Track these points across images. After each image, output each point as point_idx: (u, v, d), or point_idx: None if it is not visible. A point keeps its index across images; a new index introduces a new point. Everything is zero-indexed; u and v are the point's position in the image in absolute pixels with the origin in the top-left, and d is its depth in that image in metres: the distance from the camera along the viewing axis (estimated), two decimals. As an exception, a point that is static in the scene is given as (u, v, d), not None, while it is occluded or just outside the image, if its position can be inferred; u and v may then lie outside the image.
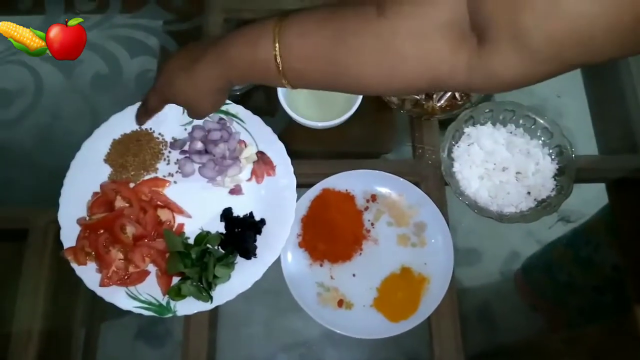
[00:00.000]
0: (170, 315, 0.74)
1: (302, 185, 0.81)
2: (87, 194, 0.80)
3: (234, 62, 0.62)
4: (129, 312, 0.74)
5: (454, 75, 0.53)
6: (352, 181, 0.83)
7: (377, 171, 0.82)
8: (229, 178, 0.81)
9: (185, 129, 0.85)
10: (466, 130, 0.84)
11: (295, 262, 0.79)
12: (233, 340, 0.79)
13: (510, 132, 0.85)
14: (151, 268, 0.77)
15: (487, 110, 0.84)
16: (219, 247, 0.78)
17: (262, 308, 0.79)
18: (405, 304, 0.77)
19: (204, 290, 0.74)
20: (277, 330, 0.79)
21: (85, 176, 0.81)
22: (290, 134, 0.86)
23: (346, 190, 0.83)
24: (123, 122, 0.84)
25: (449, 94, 0.85)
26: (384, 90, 0.61)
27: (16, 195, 0.88)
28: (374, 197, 0.83)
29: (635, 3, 0.41)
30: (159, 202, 0.80)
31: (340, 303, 0.77)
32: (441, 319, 0.77)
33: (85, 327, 0.80)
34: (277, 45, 0.58)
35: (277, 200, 0.80)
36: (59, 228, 0.78)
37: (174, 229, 0.79)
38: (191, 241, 0.78)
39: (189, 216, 0.80)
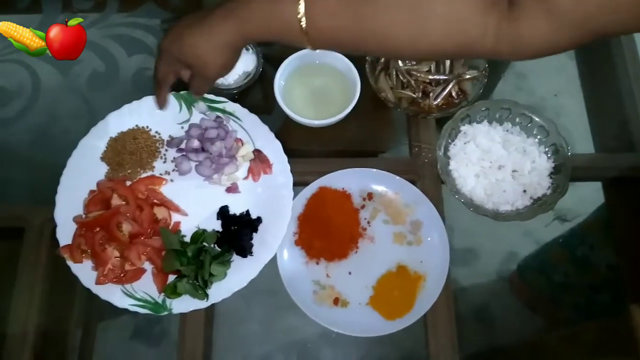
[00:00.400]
0: (166, 313, 0.74)
1: (299, 184, 0.81)
2: (83, 192, 0.80)
3: (252, 15, 0.60)
4: (125, 312, 0.74)
5: (482, 40, 0.53)
6: (349, 179, 0.83)
7: (373, 169, 0.82)
8: (226, 176, 0.82)
9: (182, 127, 0.85)
10: (462, 128, 0.85)
11: (291, 260, 0.79)
12: (229, 339, 0.78)
13: (507, 131, 0.85)
14: (147, 266, 0.77)
15: (483, 109, 0.84)
16: (215, 245, 0.78)
17: (258, 306, 0.79)
18: (401, 302, 0.77)
19: (200, 288, 0.74)
20: (273, 328, 0.79)
21: (82, 174, 0.81)
22: (287, 132, 0.86)
23: (342, 188, 0.83)
24: (120, 121, 0.84)
25: (446, 92, 0.86)
26: (409, 51, 0.59)
27: (13, 193, 0.88)
28: (370, 196, 0.83)
29: None
30: (155, 200, 0.80)
31: (336, 301, 0.77)
32: (437, 317, 0.77)
33: (82, 326, 0.80)
34: (301, 2, 0.56)
35: (273, 198, 0.80)
36: (55, 226, 0.78)
37: (170, 227, 0.79)
38: (187, 239, 0.78)
39: (186, 214, 0.80)
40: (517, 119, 0.84)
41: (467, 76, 0.86)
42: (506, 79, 0.96)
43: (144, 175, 0.82)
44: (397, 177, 0.82)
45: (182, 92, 0.86)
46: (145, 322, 0.79)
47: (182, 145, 0.84)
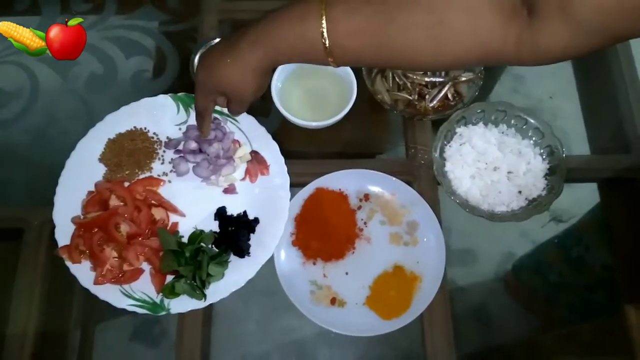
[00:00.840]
0: (164, 313, 0.74)
1: (296, 185, 0.82)
2: (81, 193, 0.81)
3: (277, 40, 0.61)
4: (124, 312, 0.74)
5: (504, 50, 0.54)
6: (346, 180, 0.83)
7: (370, 171, 0.83)
8: (223, 177, 0.82)
9: (180, 129, 0.86)
10: (458, 130, 0.85)
11: (288, 260, 0.79)
12: (227, 339, 0.79)
13: (502, 132, 0.85)
14: (145, 266, 0.77)
15: (479, 111, 0.85)
16: (213, 246, 0.79)
17: (255, 306, 0.80)
18: (398, 302, 0.77)
19: (198, 289, 0.74)
20: (271, 328, 0.79)
21: (80, 175, 0.81)
22: (284, 133, 0.86)
23: (339, 189, 0.83)
24: (118, 122, 0.85)
25: (442, 94, 0.86)
26: (432, 65, 0.61)
27: (11, 195, 0.88)
28: (367, 197, 0.84)
29: None
30: (153, 201, 0.80)
31: (333, 301, 0.77)
32: (433, 317, 0.77)
33: (81, 327, 0.80)
34: (323, 21, 0.57)
35: (270, 199, 0.81)
36: (53, 227, 0.78)
37: (168, 228, 0.80)
38: (185, 240, 0.79)
39: (183, 215, 0.81)
40: (513, 121, 0.85)
41: (463, 78, 0.86)
42: (503, 82, 0.97)
43: (142, 176, 0.83)
44: (394, 178, 0.82)
45: (179, 94, 0.86)
46: (144, 322, 0.80)
47: (180, 147, 0.84)
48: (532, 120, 0.84)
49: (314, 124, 0.83)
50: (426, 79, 0.86)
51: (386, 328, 0.75)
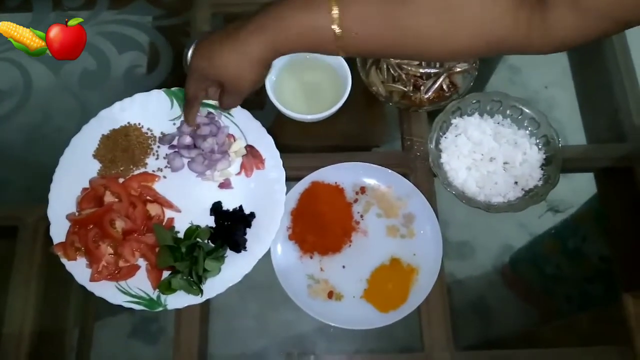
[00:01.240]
0: (161, 309, 0.74)
1: (292, 179, 0.81)
2: (76, 190, 0.80)
3: (285, 27, 0.60)
4: (122, 310, 0.74)
5: (514, 35, 0.53)
6: (341, 174, 0.83)
7: (366, 163, 0.83)
8: (218, 172, 0.82)
9: (174, 124, 0.85)
10: (453, 121, 0.85)
11: (285, 254, 0.79)
12: (225, 334, 0.79)
13: (498, 123, 0.85)
14: (141, 262, 0.77)
15: (474, 101, 0.84)
16: (209, 241, 0.78)
17: (253, 301, 0.80)
18: (395, 294, 0.77)
19: (194, 284, 0.74)
20: (269, 322, 0.79)
21: (75, 172, 0.81)
22: (279, 127, 0.86)
23: (335, 182, 0.83)
24: (112, 118, 0.84)
25: (437, 85, 0.86)
26: (442, 51, 0.59)
27: (6, 192, 0.88)
28: (363, 189, 0.83)
29: None
30: (148, 197, 0.80)
31: (331, 294, 0.77)
32: (431, 309, 0.77)
33: (79, 325, 0.80)
34: (334, 7, 0.57)
35: (266, 193, 0.80)
36: (48, 224, 0.78)
37: (163, 224, 0.79)
38: (181, 235, 0.79)
39: (179, 210, 0.81)
40: (508, 111, 0.85)
41: (458, 69, 0.86)
42: (499, 72, 0.97)
43: (136, 172, 0.83)
44: (390, 171, 0.82)
45: (173, 89, 0.86)
46: (142, 320, 0.80)
47: (174, 142, 0.84)
48: (527, 110, 0.83)
49: (309, 117, 0.83)
50: (421, 70, 0.86)
51: (384, 321, 0.75)
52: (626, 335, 0.76)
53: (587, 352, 0.78)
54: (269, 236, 0.77)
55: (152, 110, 0.85)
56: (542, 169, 0.82)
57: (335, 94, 0.84)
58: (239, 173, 0.83)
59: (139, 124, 0.85)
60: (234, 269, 0.76)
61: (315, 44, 0.61)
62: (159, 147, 0.84)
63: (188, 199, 0.81)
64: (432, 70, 0.86)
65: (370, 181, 0.84)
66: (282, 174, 0.81)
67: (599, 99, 0.97)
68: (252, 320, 0.79)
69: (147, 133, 0.85)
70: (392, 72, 0.87)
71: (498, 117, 0.85)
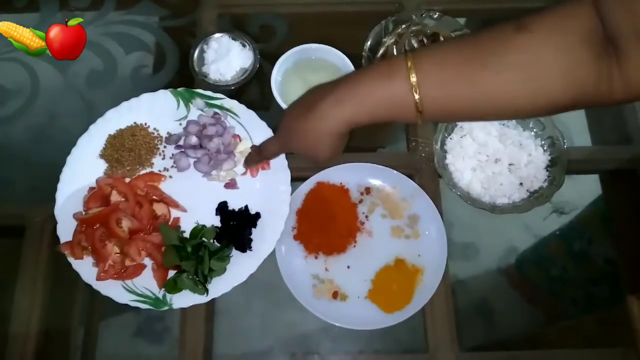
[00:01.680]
0: (166, 308, 0.74)
1: (297, 179, 0.82)
2: (83, 189, 0.81)
3: (362, 99, 0.60)
4: (127, 309, 0.75)
5: (598, 88, 0.52)
6: (347, 174, 0.83)
7: (371, 164, 0.83)
8: (224, 172, 0.82)
9: (180, 124, 0.86)
10: (459, 122, 0.85)
11: (290, 254, 0.79)
12: (229, 333, 0.79)
13: (503, 124, 0.85)
14: (147, 262, 0.77)
15: (479, 103, 0.84)
16: (215, 241, 0.79)
17: (258, 301, 0.80)
18: (400, 295, 0.77)
19: (200, 283, 0.74)
20: (273, 322, 0.79)
21: (81, 171, 0.82)
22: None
23: (340, 183, 0.83)
24: (118, 118, 0.85)
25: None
26: (527, 109, 0.57)
27: (13, 192, 0.88)
28: (368, 190, 0.84)
29: None
30: (154, 197, 0.80)
31: (335, 295, 0.78)
32: (435, 310, 0.77)
33: (84, 324, 0.80)
34: (413, 74, 0.56)
35: (272, 193, 0.81)
36: (55, 223, 0.78)
37: (169, 223, 0.80)
38: (187, 235, 0.79)
39: (185, 210, 0.81)
40: (513, 113, 0.85)
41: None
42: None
43: (142, 172, 0.83)
44: (395, 172, 0.82)
45: (179, 89, 0.86)
46: (147, 319, 0.80)
47: (181, 142, 0.84)
48: (533, 112, 0.83)
49: (314, 118, 0.83)
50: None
51: (388, 321, 0.75)
52: (631, 337, 0.76)
53: (592, 353, 0.78)
54: (274, 236, 0.78)
55: (158, 111, 0.85)
56: (547, 171, 0.82)
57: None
58: (244, 173, 0.83)
59: (146, 124, 0.85)
60: (239, 268, 0.76)
61: (393, 112, 0.60)
62: (165, 147, 0.85)
63: (194, 199, 0.81)
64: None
65: (375, 182, 0.84)
66: (288, 174, 0.81)
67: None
68: (257, 319, 0.79)
69: (153, 133, 0.85)
70: (397, 73, 0.87)
71: (503, 119, 0.85)
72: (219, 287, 0.75)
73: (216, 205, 0.81)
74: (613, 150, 0.93)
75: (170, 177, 0.83)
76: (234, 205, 0.81)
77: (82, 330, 0.80)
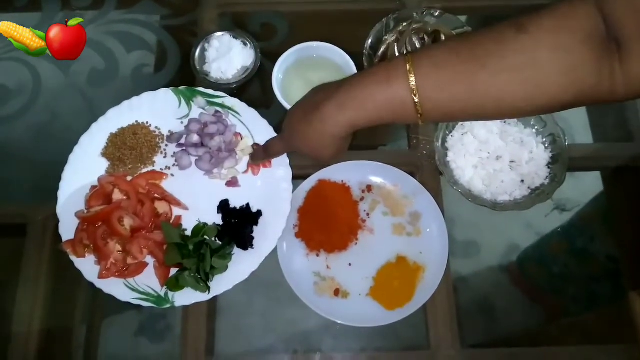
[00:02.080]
0: (168, 306, 0.75)
1: (298, 177, 0.82)
2: (85, 188, 0.81)
3: (363, 103, 0.61)
4: (129, 307, 0.75)
5: (599, 87, 0.52)
6: (348, 172, 0.83)
7: (372, 162, 0.83)
8: (226, 170, 0.82)
9: (182, 122, 0.86)
10: (460, 119, 0.85)
11: (291, 252, 0.79)
12: (232, 331, 0.79)
13: (504, 121, 0.85)
14: (149, 260, 0.78)
15: (480, 100, 0.84)
16: (216, 239, 0.79)
17: (259, 298, 0.80)
18: (401, 292, 0.77)
19: (202, 281, 0.74)
20: (275, 320, 0.79)
21: (83, 170, 0.82)
22: (286, 126, 0.86)
23: (342, 181, 0.84)
24: (120, 116, 0.85)
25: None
26: (526, 109, 0.58)
27: (15, 191, 0.88)
28: (369, 188, 0.84)
29: None
30: (156, 195, 0.81)
31: (337, 292, 0.78)
32: (437, 307, 0.78)
33: (87, 323, 0.80)
34: (412, 76, 0.57)
35: (273, 191, 0.81)
36: (57, 222, 0.78)
37: (171, 221, 0.80)
38: (188, 233, 0.79)
39: (186, 208, 0.81)
40: (515, 110, 0.85)
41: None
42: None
43: (144, 170, 0.83)
44: (396, 169, 0.82)
45: (181, 88, 0.86)
46: (149, 318, 0.80)
47: (182, 140, 0.84)
48: (534, 109, 0.83)
49: (315, 116, 0.83)
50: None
51: (390, 319, 0.75)
52: (633, 334, 0.76)
53: (594, 350, 0.78)
54: (275, 234, 0.78)
55: (160, 109, 0.85)
56: (548, 168, 0.82)
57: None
58: (246, 171, 0.83)
59: (147, 122, 0.86)
60: (240, 266, 0.76)
61: (396, 113, 0.61)
62: (166, 145, 0.85)
63: (195, 197, 0.82)
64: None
65: (376, 179, 0.84)
66: (289, 172, 0.81)
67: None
68: (259, 317, 0.79)
69: (155, 132, 0.85)
70: (398, 70, 0.87)
71: (504, 116, 0.85)
72: (220, 284, 0.75)
73: (218, 203, 0.81)
74: (615, 147, 0.93)
75: (172, 175, 0.83)
76: (236, 203, 0.81)
77: (84, 328, 0.80)
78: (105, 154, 0.83)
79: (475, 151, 0.83)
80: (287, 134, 0.71)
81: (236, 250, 0.78)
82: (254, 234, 0.79)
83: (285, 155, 0.82)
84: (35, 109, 0.92)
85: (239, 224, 0.79)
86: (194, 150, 0.83)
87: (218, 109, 0.85)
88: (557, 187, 0.79)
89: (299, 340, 0.78)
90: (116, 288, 0.75)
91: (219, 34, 0.92)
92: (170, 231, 0.77)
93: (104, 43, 0.97)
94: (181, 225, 0.80)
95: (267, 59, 0.91)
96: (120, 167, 0.82)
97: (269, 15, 0.99)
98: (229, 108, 0.85)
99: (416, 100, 0.58)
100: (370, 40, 0.89)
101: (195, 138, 0.83)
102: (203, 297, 0.75)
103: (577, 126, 0.91)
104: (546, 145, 0.83)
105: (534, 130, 0.84)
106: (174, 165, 0.84)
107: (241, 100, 0.85)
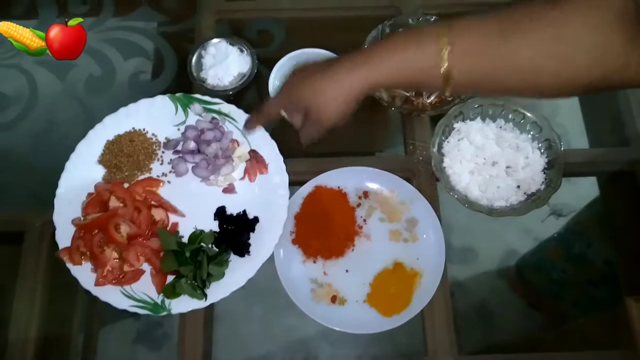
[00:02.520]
0: (165, 313, 0.74)
1: (295, 183, 0.82)
2: (81, 195, 0.81)
3: (386, 62, 0.60)
4: (126, 315, 0.75)
5: (627, 69, 0.52)
6: (344, 178, 0.83)
7: (368, 168, 0.83)
8: (222, 177, 0.82)
9: (179, 129, 0.86)
10: (456, 125, 0.85)
11: (288, 259, 0.79)
12: (229, 338, 0.79)
13: (500, 127, 0.85)
14: (146, 267, 0.77)
15: (476, 106, 0.85)
16: (213, 245, 0.79)
17: (257, 305, 0.80)
18: (398, 298, 0.77)
19: (199, 288, 0.74)
20: (272, 326, 0.79)
21: (80, 177, 0.82)
22: (282, 132, 0.86)
23: (338, 187, 0.84)
24: (117, 123, 0.85)
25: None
26: (552, 85, 0.57)
27: (12, 198, 0.88)
28: (366, 194, 0.84)
29: None
30: (153, 202, 0.81)
31: (334, 299, 0.78)
32: (434, 313, 0.77)
33: (84, 331, 0.80)
34: (443, 41, 0.57)
35: (270, 198, 0.81)
36: (54, 229, 0.78)
37: (168, 228, 0.80)
38: (185, 240, 0.79)
39: (183, 215, 0.81)
40: (510, 116, 0.85)
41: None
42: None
43: (141, 177, 0.83)
44: (392, 175, 0.83)
45: (177, 94, 0.86)
46: (147, 325, 0.80)
47: (179, 147, 0.84)
48: (529, 115, 0.84)
49: (312, 122, 0.83)
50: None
51: (387, 325, 0.75)
52: (630, 339, 0.76)
53: (591, 356, 0.78)
54: (272, 240, 0.78)
55: (156, 116, 0.86)
56: (544, 173, 0.82)
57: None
58: (242, 178, 0.83)
59: (144, 129, 0.86)
60: (237, 273, 0.76)
61: (417, 79, 0.60)
62: (163, 152, 0.85)
63: (192, 204, 0.81)
64: (435, 75, 0.87)
65: (373, 185, 0.84)
66: (286, 178, 0.81)
67: (601, 103, 0.97)
68: (256, 324, 0.79)
69: (151, 138, 0.85)
70: (394, 77, 0.88)
71: (500, 122, 0.85)
72: (217, 292, 0.75)
73: (214, 210, 0.81)
74: (610, 152, 0.93)
75: (169, 182, 0.83)
76: (232, 209, 0.81)
77: (81, 336, 0.80)
78: (102, 161, 0.84)
79: (472, 157, 0.83)
80: (293, 87, 0.68)
81: (233, 257, 0.78)
82: (250, 241, 0.79)
83: (281, 161, 0.82)
84: (32, 116, 0.93)
85: (235, 231, 0.79)
86: (190, 157, 0.83)
87: (215, 115, 0.85)
88: (552, 193, 0.79)
89: (297, 347, 0.78)
90: (113, 296, 0.75)
91: (215, 40, 0.93)
92: (166, 238, 0.77)
93: (101, 50, 0.97)
94: (178, 232, 0.80)
95: (263, 65, 0.92)
96: (116, 174, 0.82)
97: (265, 22, 0.99)
98: (226, 114, 0.85)
99: (444, 67, 0.57)
100: (366, 47, 0.89)
101: (191, 145, 0.83)
102: (200, 304, 0.75)
103: (573, 131, 0.92)
104: (542, 151, 0.83)
105: (529, 135, 0.84)
106: (170, 172, 0.84)
107: (238, 106, 0.86)
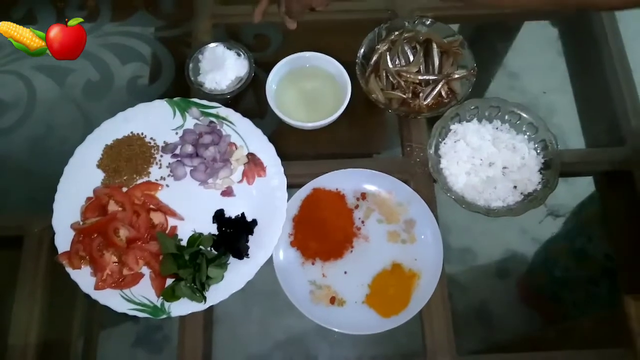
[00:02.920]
0: (164, 316, 0.75)
1: (293, 186, 0.82)
2: (80, 199, 0.81)
3: None
4: (126, 319, 0.75)
5: None
6: (342, 180, 0.84)
7: (366, 170, 0.84)
8: (220, 180, 0.83)
9: (177, 133, 0.86)
10: (452, 127, 0.86)
11: (287, 261, 0.80)
12: (228, 340, 0.79)
13: (496, 128, 0.86)
14: (145, 270, 0.78)
15: (472, 107, 0.85)
16: (212, 248, 0.79)
17: (256, 307, 0.80)
18: (397, 299, 0.77)
19: (198, 291, 0.75)
20: (272, 328, 0.79)
21: (79, 182, 0.82)
22: (280, 135, 0.87)
23: (336, 189, 0.84)
24: (115, 128, 0.86)
25: (435, 92, 0.87)
26: None
27: (11, 203, 0.88)
28: (363, 196, 0.84)
29: None
30: (151, 206, 0.81)
31: (333, 300, 0.78)
32: (432, 313, 0.78)
33: (84, 335, 0.80)
34: None
35: (268, 200, 0.81)
36: (53, 233, 0.79)
37: (167, 232, 0.80)
38: (184, 243, 0.79)
39: (182, 218, 0.81)
40: (507, 117, 0.85)
41: (456, 76, 0.87)
42: (498, 79, 0.98)
43: (139, 181, 0.83)
44: (390, 177, 0.83)
45: (175, 99, 0.87)
46: (146, 329, 0.80)
47: (177, 151, 0.85)
48: (525, 115, 0.84)
49: (309, 125, 0.84)
50: (419, 77, 0.87)
51: (386, 326, 0.75)
52: (628, 338, 0.76)
53: (589, 354, 0.78)
54: (271, 243, 0.78)
55: (154, 120, 0.86)
56: (540, 173, 0.83)
57: (335, 101, 0.85)
58: (240, 181, 0.83)
59: (142, 133, 0.86)
60: (236, 275, 0.77)
61: None
62: (161, 156, 0.85)
63: (191, 207, 0.82)
64: (431, 77, 0.87)
65: (370, 187, 0.84)
66: (284, 181, 0.82)
67: (597, 103, 0.97)
68: (255, 326, 0.79)
69: (150, 142, 0.86)
70: (391, 79, 0.88)
71: (497, 123, 0.86)
72: (216, 294, 0.76)
73: (213, 213, 0.81)
74: (606, 152, 0.93)
75: (167, 185, 0.84)
76: (231, 212, 0.81)
77: (81, 340, 0.80)
78: (101, 165, 0.84)
79: (468, 158, 0.83)
80: None
81: (232, 260, 0.78)
82: (249, 243, 0.79)
83: (279, 164, 0.83)
84: (30, 122, 0.93)
85: (234, 234, 0.79)
86: (188, 161, 0.83)
87: (212, 119, 0.86)
88: (549, 193, 0.79)
89: (296, 348, 0.78)
90: (112, 299, 0.75)
91: (212, 44, 0.93)
92: (165, 241, 0.77)
93: (98, 55, 0.98)
94: (177, 235, 0.80)
95: (260, 69, 0.92)
96: (115, 178, 0.83)
97: (262, 26, 0.99)
98: (223, 118, 0.86)
99: None
100: (362, 50, 0.90)
101: (189, 148, 0.83)
102: (199, 307, 0.75)
103: (569, 131, 0.92)
104: (538, 151, 0.84)
105: (525, 136, 0.85)
106: (169, 175, 0.84)
107: (235, 110, 0.86)
